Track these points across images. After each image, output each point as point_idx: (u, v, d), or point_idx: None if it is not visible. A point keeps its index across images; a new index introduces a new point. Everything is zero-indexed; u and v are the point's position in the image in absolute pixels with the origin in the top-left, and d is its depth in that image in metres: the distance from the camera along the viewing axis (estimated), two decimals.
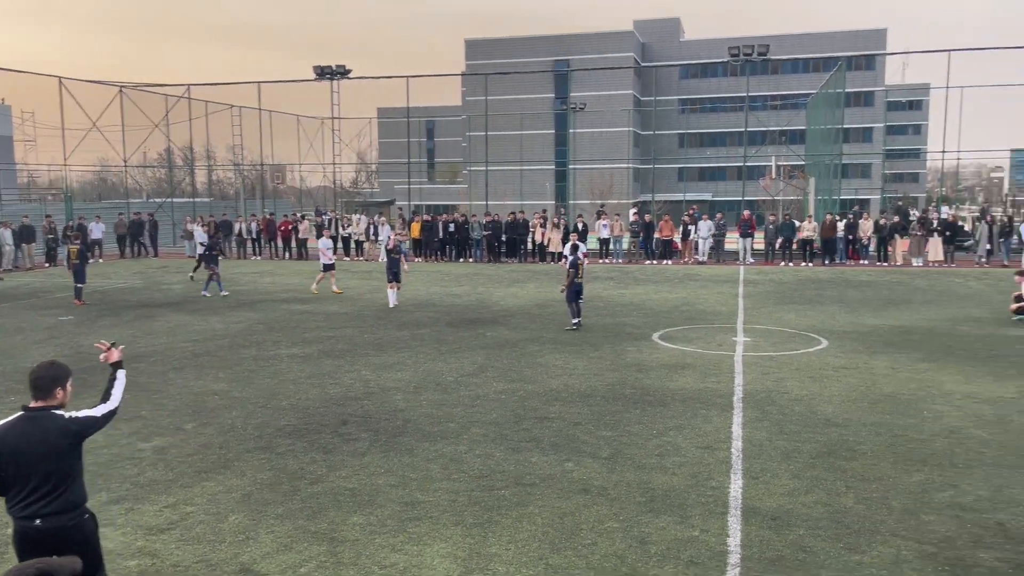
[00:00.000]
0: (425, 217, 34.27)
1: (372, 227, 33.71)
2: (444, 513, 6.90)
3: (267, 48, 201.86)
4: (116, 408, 4.67)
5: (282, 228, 34.39)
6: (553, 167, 75.77)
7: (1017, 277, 17.31)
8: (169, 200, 44.81)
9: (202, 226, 32.61)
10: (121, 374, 4.84)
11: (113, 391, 4.71)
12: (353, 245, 34.08)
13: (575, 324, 15.96)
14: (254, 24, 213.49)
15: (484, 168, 38.54)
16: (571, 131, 56.07)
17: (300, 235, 34.06)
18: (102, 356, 4.91)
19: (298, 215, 38.52)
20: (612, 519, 6.74)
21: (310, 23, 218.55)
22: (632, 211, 33.96)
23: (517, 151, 54.59)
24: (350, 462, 8.22)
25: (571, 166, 54.58)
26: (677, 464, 8.06)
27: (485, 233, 31.95)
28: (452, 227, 32.69)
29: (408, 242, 32.52)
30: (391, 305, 19.14)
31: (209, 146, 56.33)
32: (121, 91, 39.28)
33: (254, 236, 34.88)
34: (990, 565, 5.82)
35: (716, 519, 6.70)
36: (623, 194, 64.60)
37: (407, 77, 36.76)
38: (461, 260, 32.41)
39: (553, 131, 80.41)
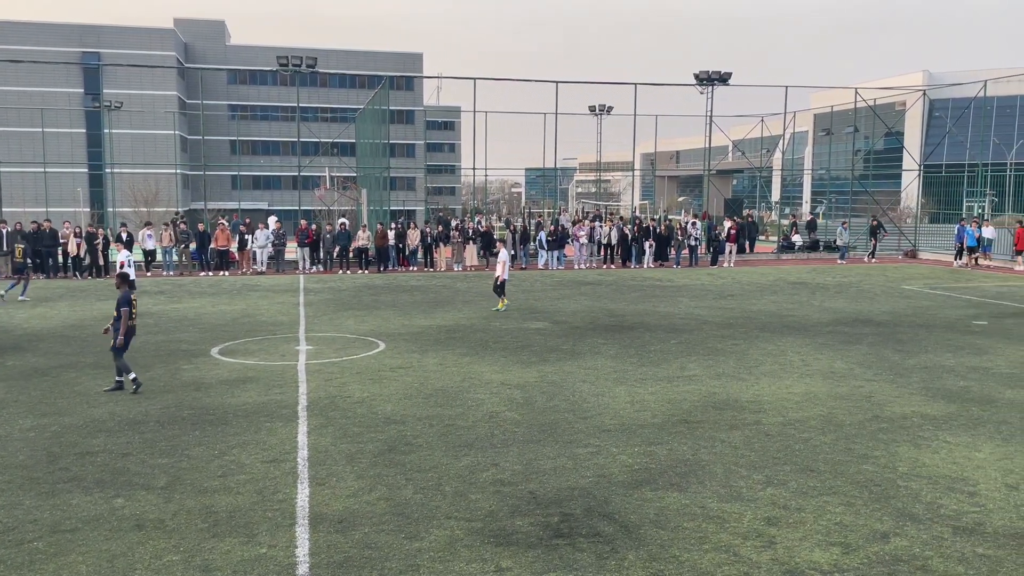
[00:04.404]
0: None
1: None
2: None
3: None
4: None
5: None
6: (87, 170, 67.83)
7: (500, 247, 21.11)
8: None
9: None
10: None
11: None
12: None
13: (130, 382, 11.55)
14: None
15: None
16: (106, 131, 50.62)
17: None
18: None
19: None
20: (172, 552, 6.26)
21: None
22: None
23: (39, 151, 47.53)
24: None
25: (108, 170, 49.25)
26: (242, 482, 7.79)
27: None
28: None
29: None
30: None
31: None
32: None
33: None
34: (526, 531, 6.71)
35: (284, 532, 6.64)
36: (171, 202, 60.40)
37: None
38: None
39: (85, 130, 72.07)
